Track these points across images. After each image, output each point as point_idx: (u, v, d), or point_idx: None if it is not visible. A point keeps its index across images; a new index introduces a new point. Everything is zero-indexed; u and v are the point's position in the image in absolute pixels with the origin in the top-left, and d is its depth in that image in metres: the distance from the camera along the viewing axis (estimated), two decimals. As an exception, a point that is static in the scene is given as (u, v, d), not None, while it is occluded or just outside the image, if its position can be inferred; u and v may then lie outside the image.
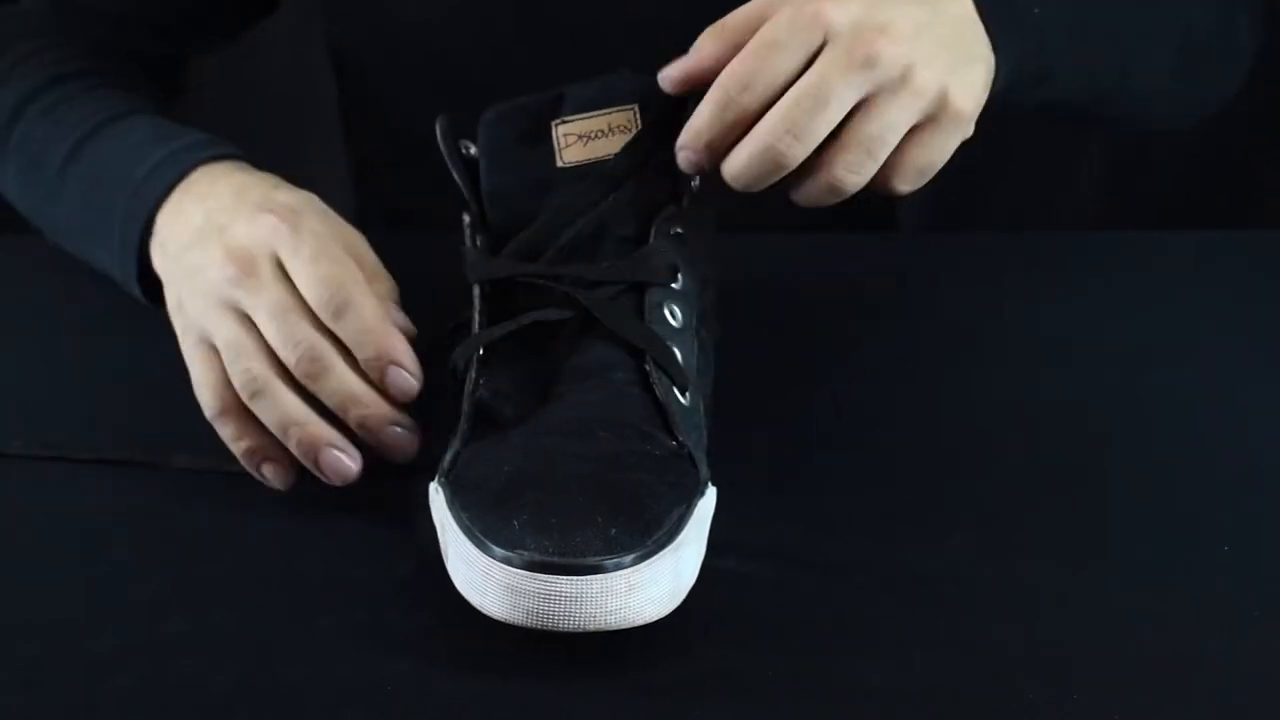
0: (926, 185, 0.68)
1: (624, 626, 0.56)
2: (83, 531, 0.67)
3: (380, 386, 0.66)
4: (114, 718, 0.56)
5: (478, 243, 0.69)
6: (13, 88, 0.85)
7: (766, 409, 0.75)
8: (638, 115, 0.68)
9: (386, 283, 0.70)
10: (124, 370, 0.80)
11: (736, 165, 0.65)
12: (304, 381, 0.66)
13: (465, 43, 0.93)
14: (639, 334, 0.65)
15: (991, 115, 0.70)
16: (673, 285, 0.67)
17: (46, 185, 0.81)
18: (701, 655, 0.58)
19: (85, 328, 0.83)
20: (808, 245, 0.95)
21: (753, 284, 0.85)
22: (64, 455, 0.71)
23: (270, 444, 0.67)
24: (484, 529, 0.56)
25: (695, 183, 0.69)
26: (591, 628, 0.55)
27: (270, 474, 0.67)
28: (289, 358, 0.66)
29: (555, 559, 0.55)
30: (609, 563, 0.55)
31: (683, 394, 0.65)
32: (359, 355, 0.66)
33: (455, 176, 0.70)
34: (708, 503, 0.60)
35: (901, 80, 0.63)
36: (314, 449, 0.65)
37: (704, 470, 0.61)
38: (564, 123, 0.68)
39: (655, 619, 0.56)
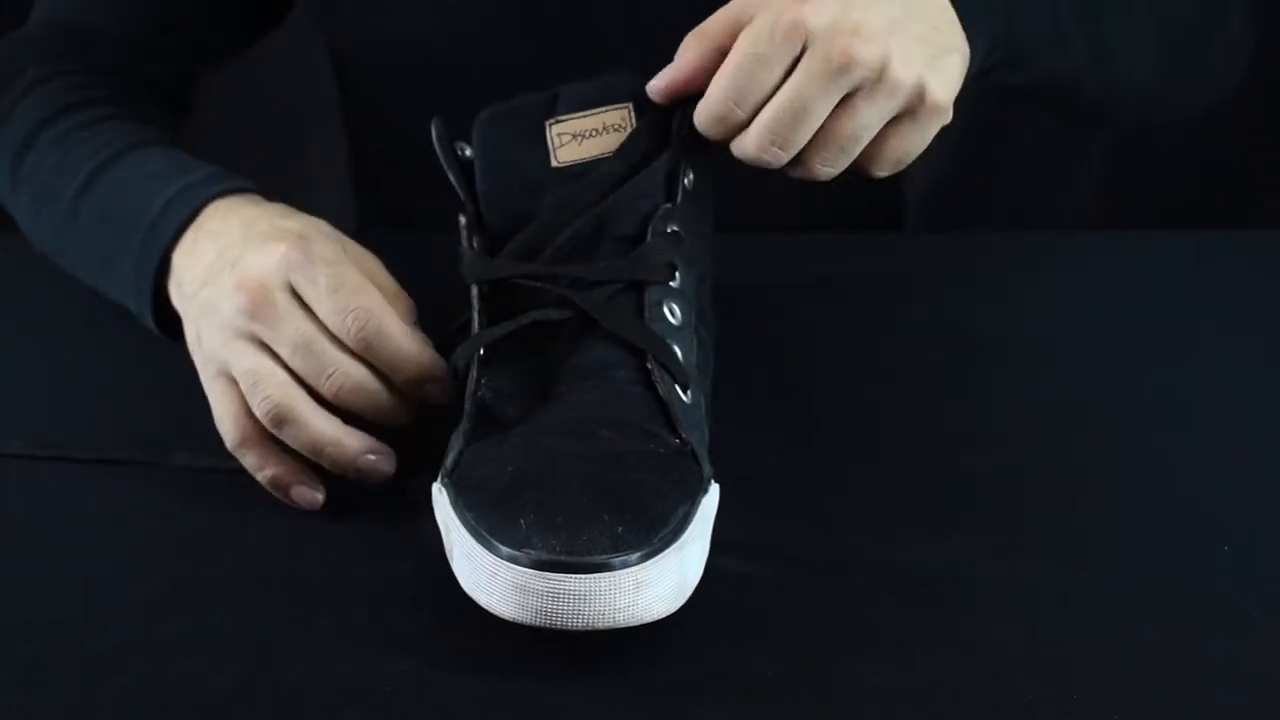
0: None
1: (631, 624, 0.56)
2: (83, 531, 0.67)
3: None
4: (114, 718, 0.56)
5: (474, 244, 0.69)
6: (24, 116, 0.84)
7: (766, 409, 0.75)
8: (632, 114, 0.68)
9: (405, 302, 0.71)
10: (124, 370, 0.80)
11: (734, 149, 0.67)
12: (343, 405, 0.67)
13: (465, 45, 0.93)
14: (638, 333, 0.65)
15: (970, 98, 0.70)
16: (671, 283, 0.67)
17: (59, 215, 0.81)
18: (701, 655, 0.58)
19: (85, 328, 0.83)
20: (808, 245, 0.95)
21: (753, 284, 0.85)
22: (64, 455, 0.71)
23: (294, 468, 0.67)
24: (490, 529, 0.57)
25: (690, 180, 0.69)
26: (599, 626, 0.55)
27: (299, 497, 0.67)
28: (325, 387, 0.66)
29: (563, 558, 0.55)
30: (616, 561, 0.55)
31: (684, 391, 0.65)
32: (398, 378, 0.67)
33: (451, 178, 0.70)
34: (711, 500, 0.60)
35: (878, 80, 0.64)
36: (351, 463, 0.67)
37: (707, 468, 0.62)
38: (558, 122, 0.68)
39: (661, 617, 0.56)
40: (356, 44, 0.99)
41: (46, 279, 0.85)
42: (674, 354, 0.65)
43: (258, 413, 0.66)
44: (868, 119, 0.65)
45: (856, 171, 0.68)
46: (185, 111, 0.96)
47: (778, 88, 0.65)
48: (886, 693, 0.56)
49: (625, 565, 0.55)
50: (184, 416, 0.71)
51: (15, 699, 0.56)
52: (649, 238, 0.67)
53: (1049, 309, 0.86)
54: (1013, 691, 0.56)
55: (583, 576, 0.55)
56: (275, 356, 0.67)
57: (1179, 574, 0.63)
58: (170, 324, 0.75)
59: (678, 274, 0.67)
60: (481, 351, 0.66)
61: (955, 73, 0.68)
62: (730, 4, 0.67)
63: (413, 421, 0.69)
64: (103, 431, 0.73)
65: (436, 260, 0.71)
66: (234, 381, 0.68)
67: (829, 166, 0.67)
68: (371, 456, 0.67)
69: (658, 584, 0.56)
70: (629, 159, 0.68)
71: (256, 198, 0.76)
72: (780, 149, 0.65)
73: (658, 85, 0.68)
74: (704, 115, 0.66)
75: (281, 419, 0.66)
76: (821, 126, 0.65)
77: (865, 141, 0.66)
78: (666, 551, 0.56)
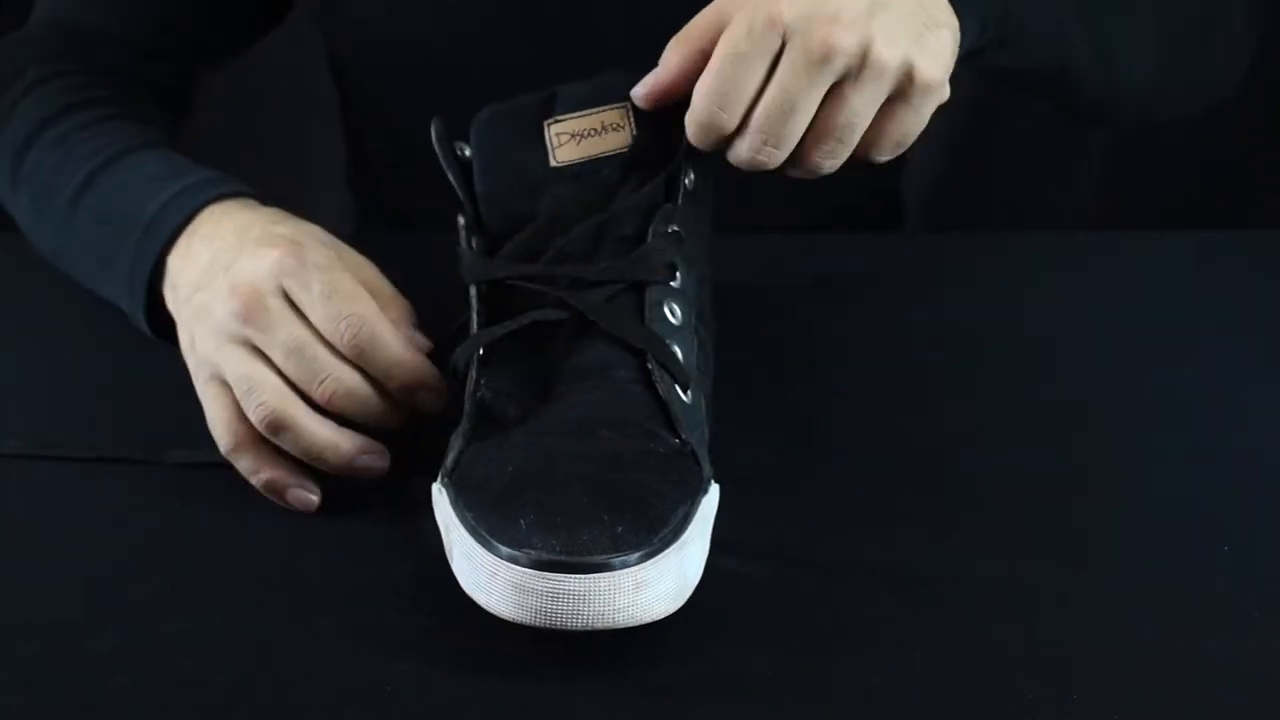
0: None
1: (631, 624, 0.56)
2: (83, 531, 0.67)
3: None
4: (114, 718, 0.56)
5: (473, 244, 0.69)
6: (25, 116, 0.84)
7: (766, 409, 0.75)
8: (630, 113, 0.68)
9: (400, 306, 0.71)
10: (123, 370, 0.80)
11: (731, 158, 0.67)
12: (336, 411, 0.67)
13: (465, 45, 0.93)
14: (637, 334, 0.65)
15: (970, 99, 0.70)
16: (671, 284, 0.67)
17: (57, 216, 0.81)
18: (701, 655, 0.58)
19: (84, 328, 0.83)
20: (808, 245, 0.95)
21: (752, 284, 0.85)
22: (61, 454, 0.71)
23: (289, 471, 0.67)
24: (490, 529, 0.57)
25: (690, 180, 0.69)
26: (599, 626, 0.55)
27: (294, 500, 0.67)
28: (317, 392, 0.66)
29: (562, 558, 0.55)
30: (616, 561, 0.55)
31: (684, 391, 0.65)
32: (390, 385, 0.67)
33: (450, 178, 0.70)
34: (711, 500, 0.61)
35: (862, 65, 0.63)
36: (347, 465, 0.67)
37: (707, 468, 0.62)
38: (557, 122, 0.68)
39: (661, 617, 0.56)
40: (356, 44, 0.99)
41: (46, 279, 0.85)
42: (673, 354, 0.65)
43: (253, 419, 0.66)
44: (859, 106, 0.64)
45: (858, 159, 0.67)
46: (185, 111, 0.96)
47: (763, 88, 0.64)
48: (886, 693, 0.56)
49: (625, 565, 0.55)
50: (182, 416, 0.71)
51: (15, 699, 0.56)
52: (650, 238, 0.67)
53: (1049, 309, 0.86)
54: (1013, 691, 0.56)
55: (582, 576, 0.55)
56: (268, 361, 0.67)
57: (1179, 574, 0.63)
58: (164, 327, 0.75)
59: (678, 274, 0.67)
60: (481, 351, 0.66)
61: (945, 49, 0.67)
62: (712, 5, 0.67)
63: (402, 425, 0.69)
64: (102, 431, 0.73)
65: (435, 260, 0.71)
66: (227, 386, 0.68)
67: (829, 159, 0.66)
68: (366, 457, 0.67)
69: (658, 584, 0.56)
70: (628, 158, 0.68)
71: (252, 202, 0.76)
72: (774, 147, 0.65)
73: (640, 91, 0.67)
74: (691, 124, 0.66)
75: (277, 425, 0.66)
76: (814, 120, 0.65)
77: (861, 129, 0.65)
78: (666, 551, 0.56)
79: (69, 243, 0.81)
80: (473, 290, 0.68)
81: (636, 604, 0.55)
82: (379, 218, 1.09)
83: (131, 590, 0.62)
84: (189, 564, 0.64)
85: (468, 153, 0.70)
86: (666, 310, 0.66)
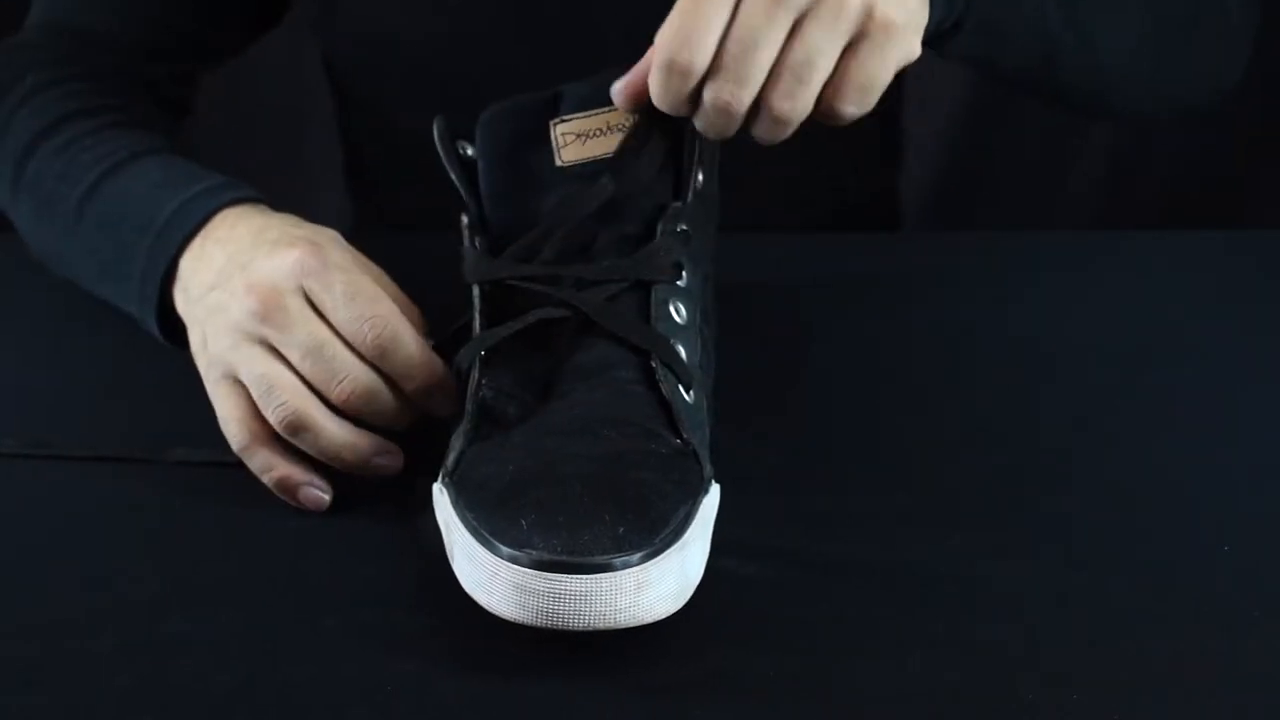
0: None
1: (632, 625, 0.56)
2: (82, 531, 0.67)
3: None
4: (114, 718, 0.56)
5: (476, 244, 0.69)
6: (25, 124, 0.84)
7: (766, 409, 0.75)
8: (635, 113, 0.68)
9: (413, 311, 0.71)
10: (124, 370, 0.80)
11: (698, 123, 0.65)
12: (352, 412, 0.67)
13: (465, 45, 0.93)
14: (639, 333, 0.65)
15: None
16: (678, 282, 0.67)
17: (61, 223, 0.81)
18: (702, 655, 0.58)
19: (85, 328, 0.83)
20: (807, 245, 0.95)
21: (752, 284, 0.85)
22: (61, 454, 0.71)
23: (302, 470, 0.67)
24: (491, 529, 0.56)
25: (699, 181, 0.69)
26: (600, 626, 0.55)
27: (306, 499, 0.67)
28: (334, 393, 0.66)
29: (564, 558, 0.55)
30: (617, 561, 0.55)
31: (687, 391, 0.65)
32: (407, 387, 0.68)
33: (453, 178, 0.70)
34: (712, 500, 0.61)
35: (821, 1, 0.63)
36: (364, 465, 0.67)
37: (708, 468, 0.62)
38: (562, 122, 0.68)
39: (663, 617, 0.56)
40: (354, 44, 0.99)
41: (46, 279, 0.85)
42: (677, 354, 0.65)
43: (272, 419, 0.66)
44: (818, 42, 0.63)
45: (826, 117, 0.66)
46: (185, 112, 0.96)
47: (726, 34, 0.63)
48: (886, 693, 0.56)
49: (626, 565, 0.55)
50: (182, 416, 0.71)
51: (15, 699, 0.56)
52: (658, 236, 0.67)
53: (1049, 309, 0.86)
54: (1013, 691, 0.56)
55: (584, 577, 0.55)
56: (285, 361, 0.67)
57: (1179, 574, 0.63)
58: (173, 330, 0.75)
59: (684, 273, 0.67)
60: (483, 351, 0.66)
61: None
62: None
63: (410, 425, 0.69)
64: (102, 431, 0.73)
65: (435, 261, 0.71)
66: (240, 384, 0.68)
67: (790, 99, 0.64)
68: (382, 457, 0.67)
69: (659, 584, 0.56)
70: (633, 157, 0.67)
71: (264, 207, 0.76)
72: (738, 84, 0.63)
73: (617, 87, 0.67)
74: (656, 70, 0.64)
75: (297, 426, 0.66)
76: (776, 60, 0.64)
77: (822, 69, 0.64)
78: (668, 552, 0.56)
79: (73, 249, 0.81)
80: (475, 290, 0.68)
81: (638, 604, 0.55)
82: (376, 219, 1.09)
83: (131, 590, 0.62)
84: (189, 564, 0.64)
85: (470, 152, 0.70)
86: (672, 309, 0.66)
